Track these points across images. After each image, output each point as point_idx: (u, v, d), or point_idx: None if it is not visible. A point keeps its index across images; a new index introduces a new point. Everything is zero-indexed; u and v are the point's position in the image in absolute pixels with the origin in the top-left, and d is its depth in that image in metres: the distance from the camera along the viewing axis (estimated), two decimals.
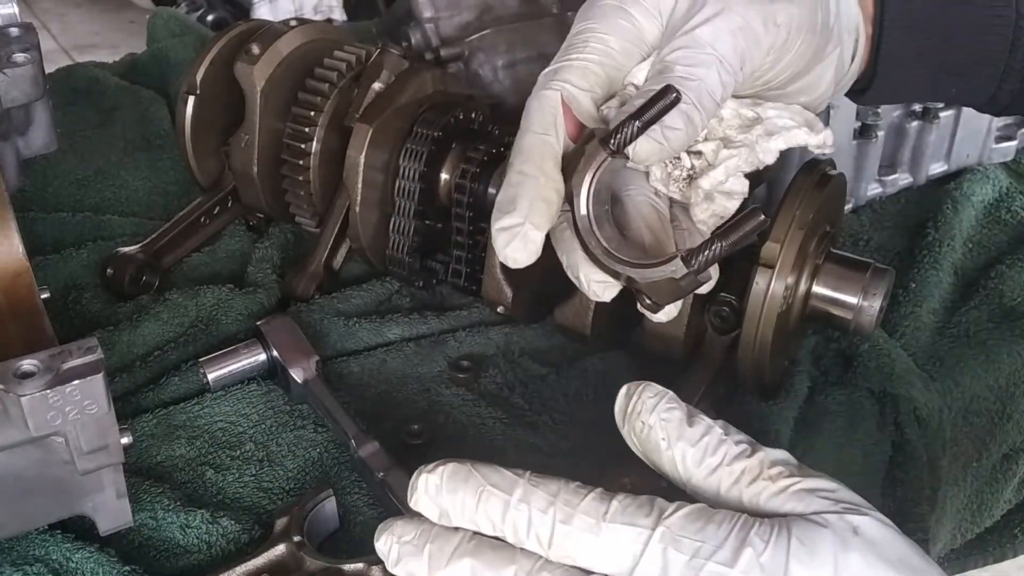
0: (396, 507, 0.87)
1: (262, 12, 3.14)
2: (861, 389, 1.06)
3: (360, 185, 1.07)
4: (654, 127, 0.75)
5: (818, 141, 0.84)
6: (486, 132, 1.13)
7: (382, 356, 1.09)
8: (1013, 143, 1.45)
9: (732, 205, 0.83)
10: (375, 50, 1.17)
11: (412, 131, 1.09)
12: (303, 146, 1.15)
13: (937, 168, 1.41)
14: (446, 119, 1.09)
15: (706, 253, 0.74)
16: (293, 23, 1.20)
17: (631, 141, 0.75)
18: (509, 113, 1.26)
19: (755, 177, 1.02)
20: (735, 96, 0.82)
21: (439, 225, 1.11)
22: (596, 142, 0.77)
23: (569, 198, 0.78)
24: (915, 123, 1.36)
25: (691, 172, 0.83)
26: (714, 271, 0.81)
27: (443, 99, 1.14)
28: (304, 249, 1.24)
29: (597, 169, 0.77)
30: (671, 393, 0.73)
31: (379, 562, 0.81)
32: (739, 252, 1.04)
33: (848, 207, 1.34)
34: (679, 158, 0.82)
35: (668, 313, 0.84)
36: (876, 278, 0.96)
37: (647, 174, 0.83)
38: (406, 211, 1.09)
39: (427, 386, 1.05)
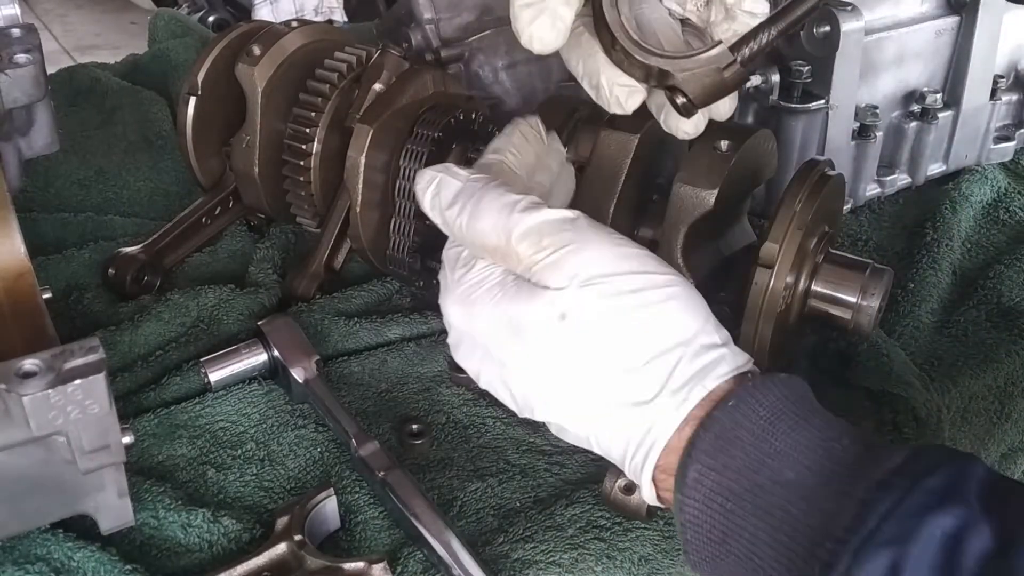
0: (397, 506, 0.87)
1: (263, 13, 3.15)
2: (859, 389, 1.06)
3: (361, 186, 1.07)
4: None
5: None
6: (486, 133, 1.14)
7: (382, 356, 1.09)
8: (1011, 143, 1.45)
9: (754, 23, 0.77)
10: (376, 51, 1.17)
11: (412, 132, 1.10)
12: (304, 147, 1.15)
13: (935, 168, 1.41)
14: (446, 120, 1.09)
15: (755, 42, 0.69)
16: (294, 24, 1.21)
17: None
18: (509, 114, 1.26)
19: (754, 179, 1.02)
20: None
21: None
22: None
23: None
24: (913, 124, 1.36)
25: None
26: (733, 97, 0.76)
27: (443, 100, 1.14)
28: (305, 249, 1.24)
29: None
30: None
31: (379, 561, 0.81)
32: (738, 254, 1.04)
33: (847, 207, 1.34)
34: None
35: (696, 125, 0.79)
36: (875, 278, 0.96)
37: None
38: (406, 212, 1.10)
39: (427, 385, 1.06)
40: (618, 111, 0.78)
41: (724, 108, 0.82)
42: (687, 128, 0.81)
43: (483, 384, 0.80)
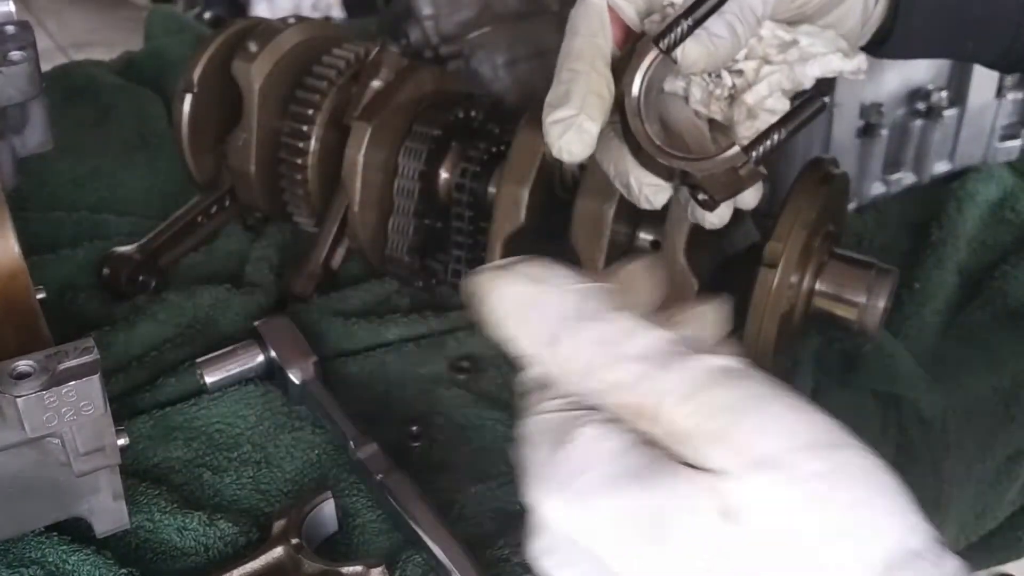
0: (395, 509, 0.87)
1: (260, 10, 3.14)
2: (864, 390, 1.06)
3: (359, 184, 1.06)
4: (700, 32, 0.75)
5: (853, 66, 0.84)
6: (486, 130, 1.13)
7: (381, 356, 1.08)
8: (1017, 142, 1.44)
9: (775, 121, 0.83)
10: (374, 48, 1.16)
11: (411, 129, 1.09)
12: (301, 145, 1.15)
13: (941, 167, 1.40)
14: (446, 117, 1.09)
15: (767, 141, 0.74)
16: (291, 20, 1.20)
17: (682, 40, 0.76)
18: (509, 111, 1.25)
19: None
20: (772, 19, 0.83)
21: (439, 224, 1.10)
22: (647, 40, 0.77)
23: (619, 101, 0.78)
24: (919, 122, 1.35)
25: (732, 91, 0.83)
26: (758, 186, 0.82)
27: (443, 97, 1.13)
28: (302, 248, 1.23)
29: (649, 66, 0.77)
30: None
31: (377, 565, 0.80)
32: (741, 253, 1.04)
33: (852, 206, 1.34)
34: (720, 76, 0.82)
35: (721, 216, 0.84)
36: (880, 278, 0.96)
37: (685, 98, 0.83)
38: (405, 210, 1.09)
39: (426, 387, 1.05)
40: (647, 207, 0.82)
41: (750, 198, 0.85)
42: (712, 220, 0.84)
43: None
